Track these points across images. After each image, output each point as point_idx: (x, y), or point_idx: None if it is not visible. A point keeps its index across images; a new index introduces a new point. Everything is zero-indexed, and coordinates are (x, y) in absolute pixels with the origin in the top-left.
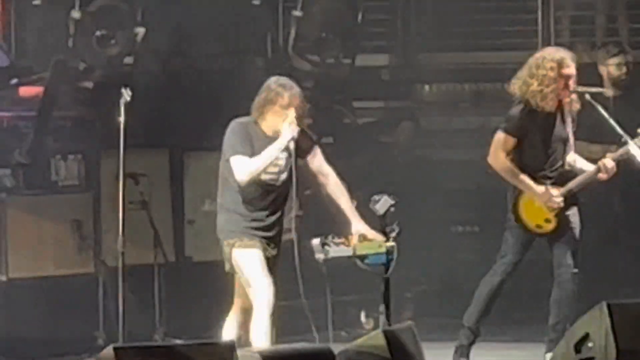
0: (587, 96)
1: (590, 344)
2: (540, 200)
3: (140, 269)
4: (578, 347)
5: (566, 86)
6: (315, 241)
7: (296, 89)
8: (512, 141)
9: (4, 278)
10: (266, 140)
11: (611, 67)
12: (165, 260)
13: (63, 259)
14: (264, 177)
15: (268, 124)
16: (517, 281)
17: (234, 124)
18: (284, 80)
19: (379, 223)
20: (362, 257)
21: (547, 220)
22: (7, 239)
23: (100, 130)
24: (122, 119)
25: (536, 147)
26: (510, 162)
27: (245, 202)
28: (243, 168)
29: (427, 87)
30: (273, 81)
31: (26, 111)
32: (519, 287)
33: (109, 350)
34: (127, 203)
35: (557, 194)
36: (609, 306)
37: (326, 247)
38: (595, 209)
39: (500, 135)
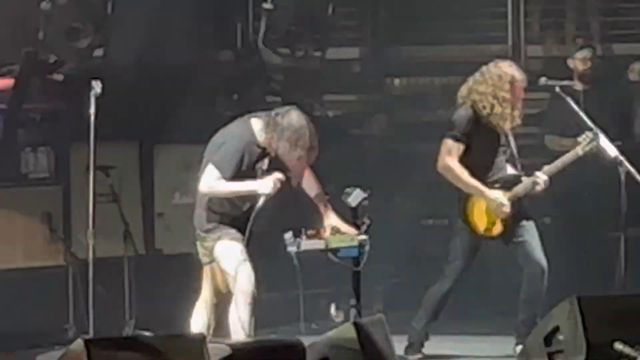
0: (557, 89)
1: (560, 337)
2: (491, 205)
3: (110, 262)
4: (548, 340)
5: (517, 102)
6: (288, 234)
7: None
8: (462, 147)
9: None
10: (259, 153)
11: (577, 61)
12: (135, 253)
13: (33, 251)
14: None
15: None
16: (485, 274)
17: (237, 140)
18: (308, 132)
19: (351, 216)
20: (335, 250)
21: (493, 223)
22: None
23: (70, 123)
24: (92, 111)
25: (482, 152)
26: (462, 169)
27: (225, 199)
28: (209, 183)
29: (397, 80)
30: (296, 127)
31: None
32: (487, 279)
33: (78, 343)
34: (97, 195)
35: (506, 201)
36: (579, 299)
37: (298, 240)
38: (565, 202)
39: (449, 143)
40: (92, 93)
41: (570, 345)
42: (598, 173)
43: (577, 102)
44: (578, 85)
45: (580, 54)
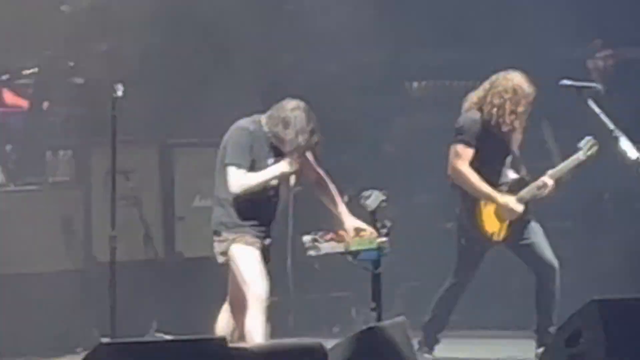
0: (578, 90)
1: (581, 340)
2: (502, 210)
3: (131, 265)
4: (569, 343)
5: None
6: (307, 237)
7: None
8: (472, 151)
9: None
10: (268, 146)
11: (598, 61)
12: (156, 256)
13: (53, 255)
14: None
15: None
16: (505, 276)
17: (239, 130)
18: (303, 115)
19: (370, 219)
20: (354, 253)
21: (500, 227)
22: None
23: (91, 126)
24: (113, 114)
25: (490, 157)
26: (474, 174)
27: (243, 198)
28: (237, 181)
29: (415, 83)
30: (292, 114)
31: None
32: (507, 282)
33: (99, 346)
34: (118, 199)
35: (516, 205)
36: (599, 302)
37: (317, 244)
38: (585, 204)
39: (459, 147)
40: (114, 96)
41: (591, 348)
42: (619, 175)
43: (597, 103)
44: (598, 86)
45: (600, 54)
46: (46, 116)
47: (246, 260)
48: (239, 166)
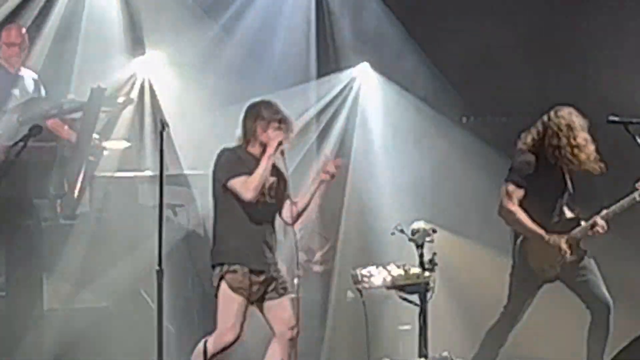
0: (625, 126)
1: None
2: (550, 249)
3: (178, 299)
4: None
5: (584, 147)
6: (354, 271)
7: (271, 104)
8: (522, 192)
9: (44, 308)
10: (253, 161)
11: None
12: (203, 291)
13: (100, 290)
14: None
15: (255, 143)
16: (555, 312)
17: (219, 153)
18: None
19: (417, 253)
20: (400, 288)
21: (551, 266)
22: (44, 268)
23: (138, 159)
24: (161, 148)
25: (545, 196)
26: (523, 214)
27: (237, 229)
28: (245, 186)
29: (464, 118)
30: (251, 105)
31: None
32: (558, 318)
33: None
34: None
35: (564, 242)
36: None
37: (365, 278)
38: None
39: (511, 188)
40: (161, 130)
41: None
42: None
43: None
44: None
45: None
46: (93, 149)
47: (226, 306)
48: (238, 175)
